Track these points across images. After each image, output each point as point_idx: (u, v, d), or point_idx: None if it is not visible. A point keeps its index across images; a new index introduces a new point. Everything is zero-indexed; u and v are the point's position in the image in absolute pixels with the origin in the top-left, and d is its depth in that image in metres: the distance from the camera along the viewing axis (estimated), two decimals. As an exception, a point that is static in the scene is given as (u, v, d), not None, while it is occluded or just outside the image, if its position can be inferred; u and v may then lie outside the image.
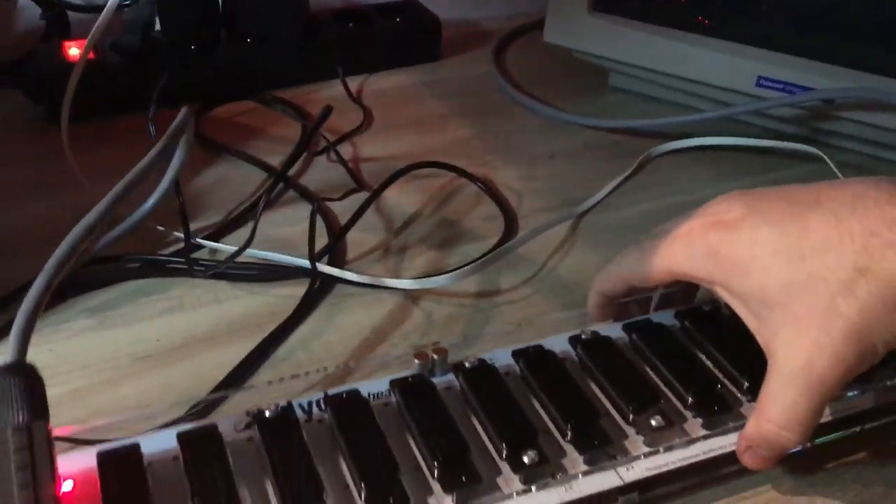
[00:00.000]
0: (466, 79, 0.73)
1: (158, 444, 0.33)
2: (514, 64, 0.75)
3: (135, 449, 0.33)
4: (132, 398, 0.40)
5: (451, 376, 0.37)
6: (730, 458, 0.36)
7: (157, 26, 0.64)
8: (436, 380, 0.37)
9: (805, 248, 0.33)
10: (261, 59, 0.66)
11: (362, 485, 0.32)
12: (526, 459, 0.33)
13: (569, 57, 0.69)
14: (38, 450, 0.28)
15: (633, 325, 0.41)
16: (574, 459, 0.34)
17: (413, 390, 0.36)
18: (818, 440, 0.37)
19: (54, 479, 0.29)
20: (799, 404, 0.33)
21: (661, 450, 0.35)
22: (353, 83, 0.69)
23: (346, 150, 0.62)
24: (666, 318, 0.41)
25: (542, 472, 0.33)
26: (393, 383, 0.37)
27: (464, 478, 0.32)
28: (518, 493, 0.33)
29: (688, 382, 0.37)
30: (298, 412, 0.35)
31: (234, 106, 0.65)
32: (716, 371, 0.39)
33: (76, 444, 0.34)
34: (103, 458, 0.32)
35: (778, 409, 0.34)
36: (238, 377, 0.41)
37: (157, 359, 0.43)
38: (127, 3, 0.63)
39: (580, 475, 0.34)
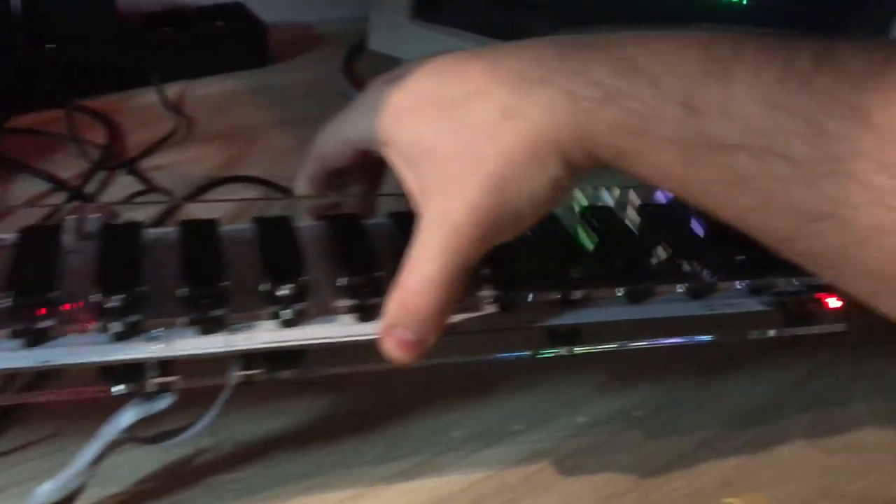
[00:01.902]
0: (295, 85, 0.70)
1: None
2: (337, 69, 0.73)
3: None
4: None
5: None
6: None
7: (-56, 29, 0.59)
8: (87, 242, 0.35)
9: (459, 94, 0.30)
10: (64, 65, 0.62)
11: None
12: (111, 304, 0.30)
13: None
14: None
15: (331, 215, 0.38)
16: (184, 320, 0.32)
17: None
18: (541, 353, 0.36)
19: None
20: (433, 261, 0.30)
21: (294, 321, 0.33)
22: (172, 90, 0.66)
23: (159, 161, 0.58)
24: (383, 220, 0.39)
25: (134, 322, 0.31)
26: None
27: (35, 310, 0.30)
28: (96, 333, 0.31)
29: (347, 264, 0.34)
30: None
31: (32, 116, 0.60)
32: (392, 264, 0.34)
33: None
34: None
35: (412, 272, 0.31)
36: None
37: None
38: None
39: (181, 333, 0.31)
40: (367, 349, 0.32)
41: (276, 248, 0.35)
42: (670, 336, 0.39)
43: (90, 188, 0.54)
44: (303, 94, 0.69)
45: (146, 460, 0.37)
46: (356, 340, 0.33)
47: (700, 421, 0.42)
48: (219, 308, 0.31)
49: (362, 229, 0.37)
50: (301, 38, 0.77)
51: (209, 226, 0.36)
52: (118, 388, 0.31)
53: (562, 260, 0.37)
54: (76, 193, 0.53)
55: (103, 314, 0.30)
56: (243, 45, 0.71)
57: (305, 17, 0.80)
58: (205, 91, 0.68)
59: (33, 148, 0.57)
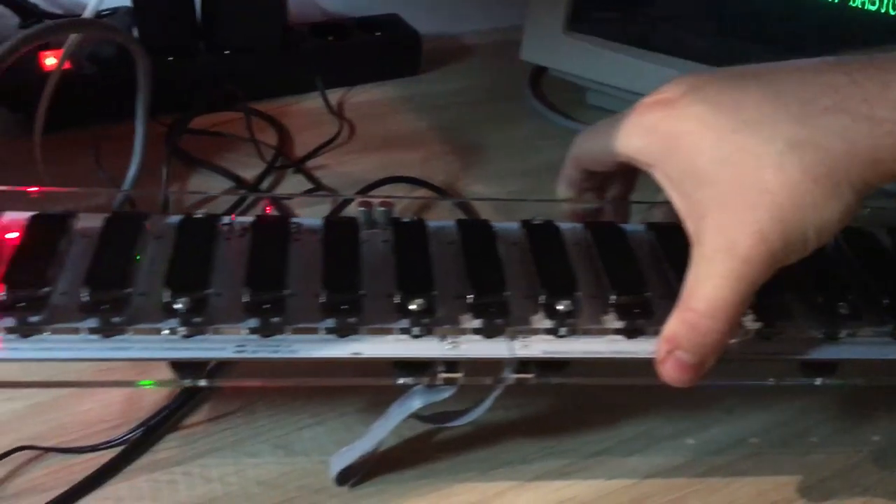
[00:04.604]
0: (446, 93, 0.73)
1: (95, 221, 0.36)
2: (485, 78, 0.76)
3: (68, 216, 0.36)
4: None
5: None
6: (649, 366, 0.34)
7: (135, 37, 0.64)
8: (377, 231, 0.38)
9: (738, 121, 0.31)
10: (238, 70, 0.66)
11: (247, 286, 0.33)
12: (412, 306, 0.33)
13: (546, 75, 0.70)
14: None
15: (595, 223, 0.40)
16: (467, 322, 0.34)
17: (338, 228, 0.37)
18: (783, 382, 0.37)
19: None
20: (722, 288, 0.31)
21: (564, 336, 0.35)
22: (333, 96, 0.70)
23: (324, 162, 0.62)
24: (639, 227, 0.41)
25: (428, 323, 0.34)
26: (325, 220, 0.38)
27: (347, 306, 0.33)
28: (398, 332, 0.34)
29: (616, 282, 0.36)
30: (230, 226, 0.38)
31: (210, 117, 0.65)
32: (658, 282, 0.37)
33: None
34: (37, 217, 0.35)
35: (700, 295, 0.31)
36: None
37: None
38: (105, 13, 0.63)
39: (469, 337, 0.34)
40: (630, 363, 0.35)
41: (549, 257, 0.37)
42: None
43: (261, 185, 0.58)
44: (454, 103, 0.72)
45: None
46: (624, 357, 0.35)
47: (881, 432, 0.42)
48: (502, 316, 0.34)
49: (626, 241, 0.39)
50: (450, 49, 0.80)
51: (487, 229, 0.38)
52: (407, 380, 0.34)
53: (829, 293, 0.36)
54: (254, 189, 0.57)
55: (404, 312, 0.34)
56: (398, 54, 0.74)
57: (456, 28, 0.83)
58: (362, 98, 0.71)
59: (210, 147, 0.62)
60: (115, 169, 0.56)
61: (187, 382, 0.33)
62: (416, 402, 0.35)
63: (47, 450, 0.38)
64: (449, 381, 0.34)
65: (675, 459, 0.40)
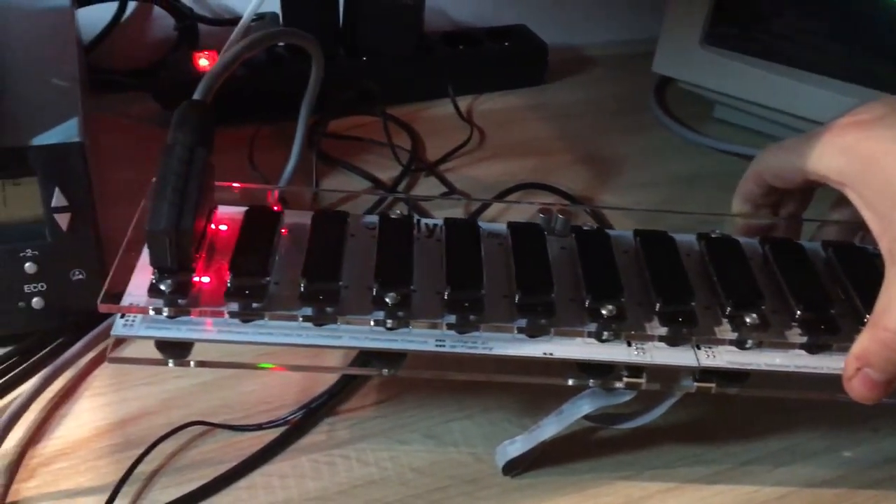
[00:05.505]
0: (571, 103, 0.74)
1: (300, 217, 0.39)
2: (609, 89, 0.77)
3: (277, 213, 0.38)
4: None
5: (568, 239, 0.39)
6: (829, 382, 0.35)
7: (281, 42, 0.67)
8: (554, 238, 0.39)
9: None
10: (374, 75, 0.68)
11: (449, 284, 0.35)
12: (604, 311, 0.34)
13: (673, 87, 0.70)
14: (194, 167, 0.34)
15: (771, 238, 0.40)
16: (655, 329, 0.35)
17: (523, 234, 0.39)
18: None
19: (206, 202, 0.36)
20: None
21: (750, 348, 0.35)
22: (462, 103, 0.71)
23: (455, 166, 0.64)
24: (813, 245, 0.41)
25: (617, 328, 0.35)
26: (510, 225, 0.39)
27: (539, 308, 0.34)
28: (588, 335, 0.35)
29: (801, 297, 0.36)
30: (417, 226, 0.39)
31: (345, 121, 0.67)
32: (839, 300, 0.37)
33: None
34: (251, 210, 0.38)
35: (893, 314, 0.32)
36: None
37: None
38: (255, 19, 0.66)
39: (655, 344, 0.35)
40: (810, 379, 0.35)
41: (732, 270, 0.38)
42: None
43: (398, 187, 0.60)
44: (579, 113, 0.73)
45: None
46: (805, 372, 0.35)
47: None
48: (689, 326, 0.35)
49: (806, 257, 0.39)
50: (574, 60, 0.81)
51: (667, 240, 0.39)
52: (579, 381, 0.36)
53: None
54: (392, 190, 0.59)
55: (594, 317, 0.35)
56: (525, 64, 0.75)
57: (579, 39, 0.84)
58: (490, 105, 0.73)
59: (346, 148, 0.64)
60: (263, 167, 0.59)
61: (386, 372, 0.35)
62: (590, 403, 0.36)
63: (216, 426, 0.40)
64: (631, 386, 0.35)
65: (823, 474, 0.40)
